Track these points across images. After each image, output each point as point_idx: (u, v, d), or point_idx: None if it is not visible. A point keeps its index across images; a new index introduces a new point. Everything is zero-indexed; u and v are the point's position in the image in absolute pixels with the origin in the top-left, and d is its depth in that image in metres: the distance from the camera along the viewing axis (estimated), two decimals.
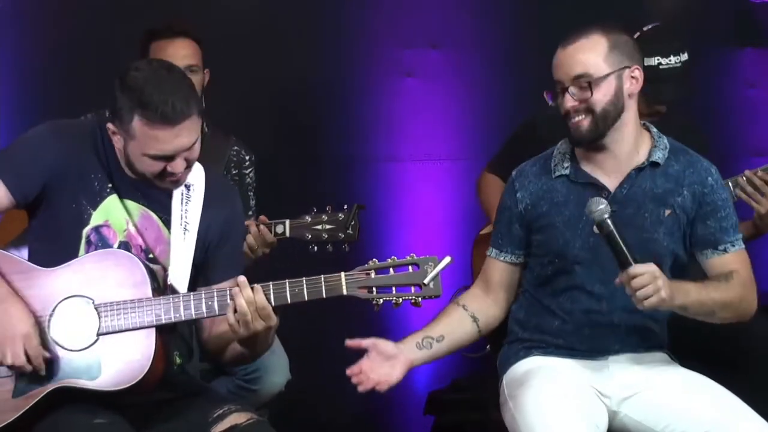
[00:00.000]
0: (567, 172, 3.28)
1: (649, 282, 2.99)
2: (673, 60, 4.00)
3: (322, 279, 2.94)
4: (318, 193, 4.11)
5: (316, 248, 3.67)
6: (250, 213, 4.07)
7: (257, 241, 3.75)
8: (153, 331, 2.96)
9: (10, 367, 2.95)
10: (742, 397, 3.16)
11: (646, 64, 3.76)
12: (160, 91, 2.93)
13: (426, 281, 2.94)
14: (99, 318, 2.96)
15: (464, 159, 4.96)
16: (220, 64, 4.18)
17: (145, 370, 2.93)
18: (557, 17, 4.57)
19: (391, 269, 2.95)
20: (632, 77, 3.23)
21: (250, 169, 4.17)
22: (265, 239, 3.75)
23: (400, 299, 2.95)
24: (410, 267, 2.95)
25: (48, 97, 4.77)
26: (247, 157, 4.18)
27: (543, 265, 3.30)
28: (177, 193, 3.12)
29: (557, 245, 3.26)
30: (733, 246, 3.26)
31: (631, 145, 3.25)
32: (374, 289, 2.94)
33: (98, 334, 2.96)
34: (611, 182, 3.25)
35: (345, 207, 3.67)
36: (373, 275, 2.94)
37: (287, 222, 3.74)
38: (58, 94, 4.74)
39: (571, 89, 3.19)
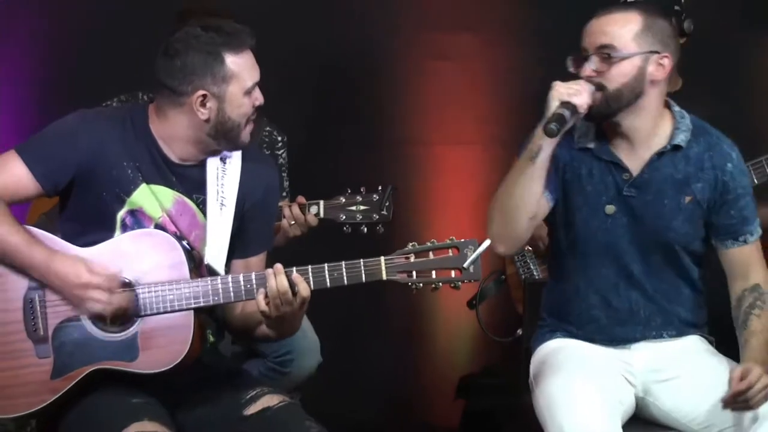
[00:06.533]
0: (592, 146, 3.19)
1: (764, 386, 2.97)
2: None
3: (362, 263, 2.92)
4: (349, 176, 4.09)
5: (349, 229, 3.66)
6: (284, 194, 4.05)
7: (298, 222, 3.74)
8: (191, 313, 2.95)
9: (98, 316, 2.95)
10: None
11: None
12: (225, 25, 3.02)
13: (466, 265, 2.90)
14: (137, 299, 2.95)
15: (496, 143, 4.94)
16: None
17: (184, 353, 2.93)
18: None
19: (430, 253, 2.92)
20: (659, 64, 3.11)
21: (282, 150, 4.15)
22: (307, 221, 3.73)
23: (440, 283, 2.92)
24: (450, 250, 2.92)
25: (49, 95, 4.75)
26: (280, 138, 4.16)
27: (561, 237, 3.24)
28: (212, 169, 3.10)
29: (574, 219, 3.20)
30: (752, 236, 3.22)
31: (649, 130, 3.16)
32: (414, 272, 2.91)
33: (136, 316, 2.95)
34: (634, 165, 3.18)
35: (380, 188, 3.65)
36: (412, 259, 2.91)
37: (321, 203, 3.73)
38: (58, 92, 4.72)
39: (593, 57, 3.09)
